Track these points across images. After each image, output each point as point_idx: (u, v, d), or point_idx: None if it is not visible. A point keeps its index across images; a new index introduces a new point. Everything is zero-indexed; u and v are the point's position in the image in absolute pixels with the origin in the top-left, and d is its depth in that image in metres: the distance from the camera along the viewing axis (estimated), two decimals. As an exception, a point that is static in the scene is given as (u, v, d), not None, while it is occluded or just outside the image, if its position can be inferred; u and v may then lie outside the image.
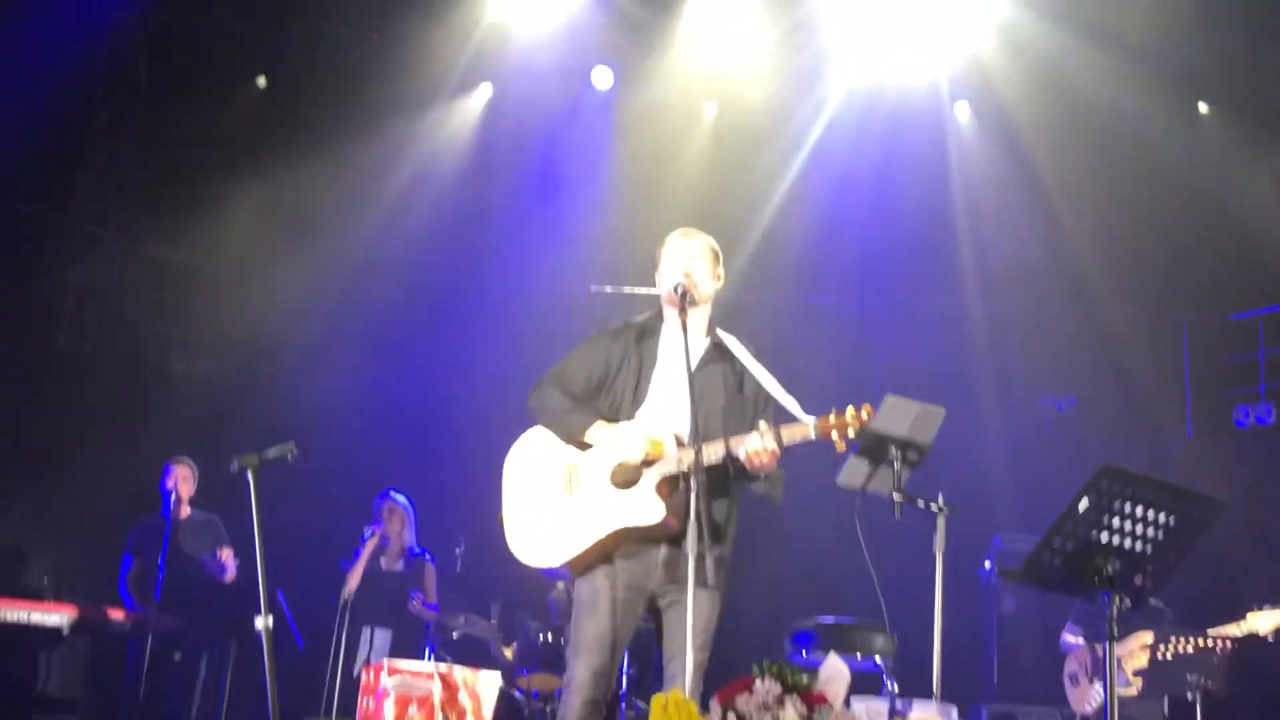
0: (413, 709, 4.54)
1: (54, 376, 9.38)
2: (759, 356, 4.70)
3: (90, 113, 9.52)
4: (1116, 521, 3.99)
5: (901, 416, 4.29)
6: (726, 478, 4.52)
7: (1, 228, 9.07)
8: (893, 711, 3.76)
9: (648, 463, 4.46)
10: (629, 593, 4.51)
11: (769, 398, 4.60)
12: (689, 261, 4.68)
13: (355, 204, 10.00)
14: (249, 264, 10.11)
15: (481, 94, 10.16)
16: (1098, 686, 7.79)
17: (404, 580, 8.16)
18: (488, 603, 8.74)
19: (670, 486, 4.45)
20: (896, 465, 4.30)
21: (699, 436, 4.28)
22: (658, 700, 3.32)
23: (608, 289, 9.34)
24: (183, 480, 8.05)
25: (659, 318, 4.77)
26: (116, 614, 7.81)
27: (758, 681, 3.27)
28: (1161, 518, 4.01)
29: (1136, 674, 7.63)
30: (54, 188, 9.26)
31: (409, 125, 9.98)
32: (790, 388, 4.55)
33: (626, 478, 4.50)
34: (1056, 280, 9.81)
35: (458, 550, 8.84)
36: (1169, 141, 9.18)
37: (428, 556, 8.38)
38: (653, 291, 4.79)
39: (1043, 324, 9.95)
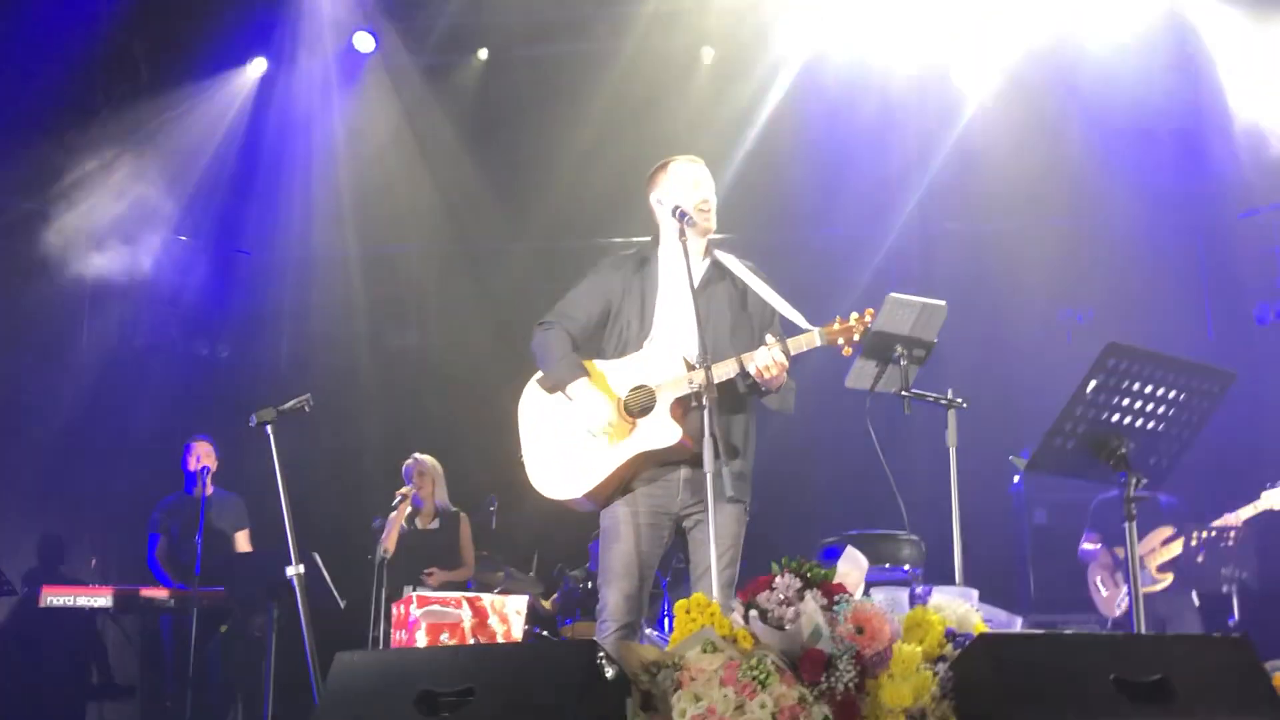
0: (444, 636, 4.62)
1: (81, 368, 9.49)
2: (757, 272, 4.75)
3: (93, 107, 9.58)
4: (1127, 401, 3.99)
5: (904, 315, 4.32)
6: (739, 394, 4.60)
7: (16, 224, 9.17)
8: (913, 597, 3.79)
9: (660, 387, 4.52)
10: (653, 517, 4.59)
11: (773, 311, 4.67)
12: (701, 188, 4.74)
13: (352, 170, 10.06)
14: (268, 240, 10.20)
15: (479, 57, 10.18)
16: (1125, 587, 7.81)
17: (440, 538, 8.22)
18: (525, 557, 8.84)
19: (684, 408, 4.50)
20: (903, 363, 4.32)
21: (708, 356, 4.32)
22: (680, 604, 3.36)
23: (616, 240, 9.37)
24: (206, 457, 8.19)
25: (654, 244, 4.82)
26: (159, 593, 7.95)
27: (778, 578, 3.30)
28: (1171, 394, 4.02)
29: (1161, 570, 7.65)
30: (63, 184, 9.33)
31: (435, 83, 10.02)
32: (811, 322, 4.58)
33: (641, 404, 4.57)
34: (1067, 194, 9.75)
35: (491, 508, 8.90)
36: (1169, 41, 9.10)
37: (462, 514, 8.45)
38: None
39: (1057, 239, 9.90)
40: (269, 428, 4.81)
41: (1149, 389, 3.97)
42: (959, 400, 4.54)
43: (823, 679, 3.04)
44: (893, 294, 4.35)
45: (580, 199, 9.73)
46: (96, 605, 7.81)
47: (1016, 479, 8.84)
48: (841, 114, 9.71)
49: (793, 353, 4.45)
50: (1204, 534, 7.19)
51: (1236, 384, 4.18)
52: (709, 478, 4.19)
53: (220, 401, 9.28)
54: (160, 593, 7.97)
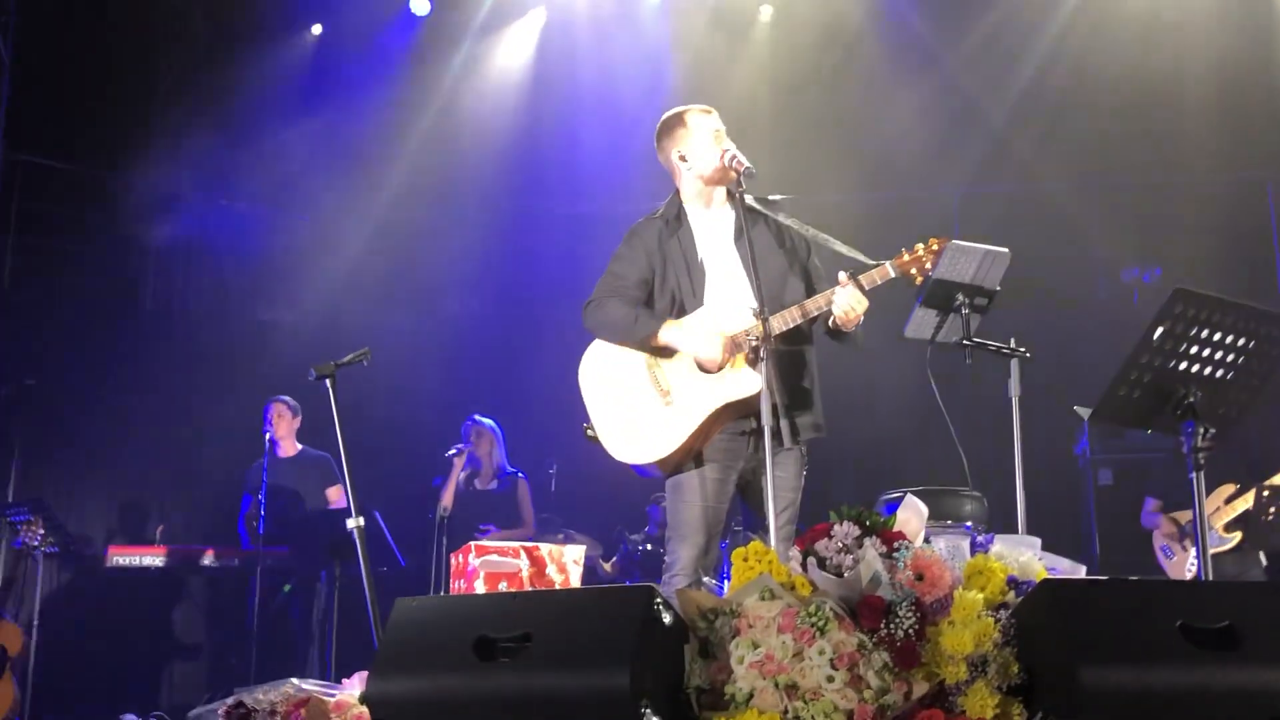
0: (502, 585, 4.64)
1: (145, 335, 9.61)
2: (780, 206, 4.70)
3: (153, 72, 9.67)
4: (1194, 349, 3.91)
5: (966, 262, 4.25)
6: (804, 341, 4.58)
7: (79, 193, 9.29)
8: (974, 545, 3.75)
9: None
10: (722, 471, 4.53)
11: (809, 242, 4.63)
12: (723, 136, 4.65)
13: (410, 136, 10.08)
14: (327, 204, 10.27)
15: (536, 17, 10.14)
16: (1193, 552, 7.69)
17: (499, 500, 8.26)
18: (585, 520, 8.87)
19: (755, 355, 4.35)
20: (965, 312, 4.26)
21: (764, 306, 4.25)
22: (739, 552, 3.35)
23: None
24: (278, 418, 8.26)
25: (677, 203, 4.72)
26: (222, 553, 8.06)
27: (836, 526, 3.27)
28: (1240, 341, 3.93)
29: (1228, 529, 7.52)
30: (125, 150, 9.43)
31: (468, 50, 10.00)
32: (888, 284, 4.53)
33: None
34: (1133, 150, 9.59)
35: (551, 470, 8.92)
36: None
37: (521, 475, 8.48)
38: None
39: (1121, 197, 9.75)
40: (328, 382, 4.84)
41: (1217, 336, 3.89)
42: (1022, 350, 4.47)
43: (882, 625, 3.01)
44: (954, 241, 4.29)
45: (628, 163, 9.72)
46: (161, 565, 7.93)
47: (1082, 440, 8.73)
48: (902, 72, 9.61)
49: (867, 287, 4.39)
50: (1269, 491, 7.05)
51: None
52: (766, 429, 4.11)
53: (280, 363, 9.36)
54: (224, 553, 8.07)
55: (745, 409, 4.44)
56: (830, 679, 2.97)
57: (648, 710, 2.88)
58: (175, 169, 9.53)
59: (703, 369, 4.50)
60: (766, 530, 4.32)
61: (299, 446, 8.36)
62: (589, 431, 4.60)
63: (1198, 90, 9.18)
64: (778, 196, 4.75)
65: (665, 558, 4.62)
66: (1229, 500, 7.51)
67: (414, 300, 10.19)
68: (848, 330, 4.48)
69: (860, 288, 4.38)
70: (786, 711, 2.98)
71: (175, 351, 9.59)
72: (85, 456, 9.03)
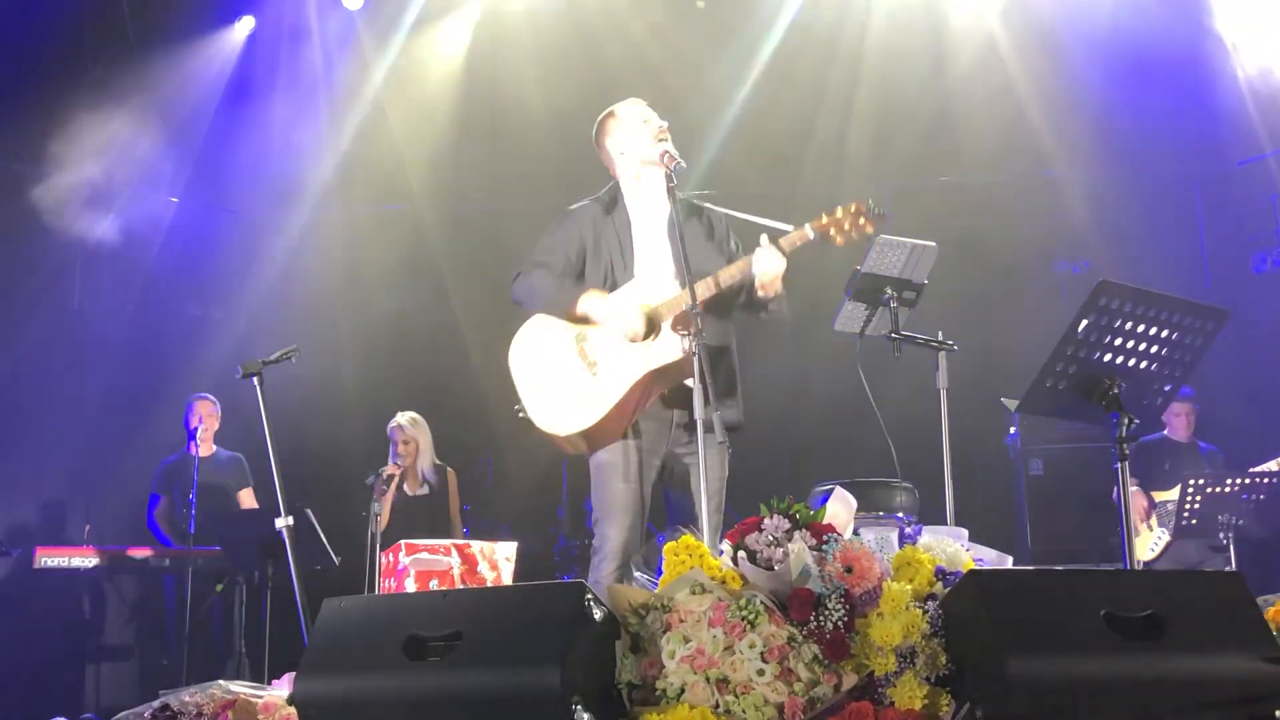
0: (433, 584, 4.62)
1: (73, 333, 9.46)
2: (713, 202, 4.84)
3: (80, 66, 9.51)
4: (1119, 341, 3.96)
5: (894, 256, 4.29)
6: (727, 334, 4.67)
7: (3, 190, 9.12)
8: (903, 536, 3.78)
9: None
10: (646, 455, 4.57)
11: (745, 225, 4.72)
12: (652, 121, 4.76)
13: (341, 131, 10.01)
14: (257, 200, 10.17)
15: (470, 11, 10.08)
16: (1158, 531, 7.82)
17: (429, 504, 8.13)
18: (521, 515, 8.83)
19: (685, 326, 4.35)
20: (893, 305, 4.29)
21: (693, 281, 4.29)
22: (670, 546, 3.35)
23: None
24: (206, 415, 8.17)
25: (615, 191, 4.83)
26: (152, 553, 7.96)
27: (766, 519, 3.28)
28: (1164, 333, 3.98)
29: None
30: (53, 146, 9.26)
31: (401, 44, 9.94)
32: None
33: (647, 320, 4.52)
34: (1060, 146, 9.69)
35: (488, 465, 8.87)
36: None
37: (449, 472, 8.37)
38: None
39: (1052, 190, 9.86)
40: (255, 380, 4.79)
41: (1141, 328, 3.94)
42: (949, 343, 4.51)
43: (811, 618, 3.03)
44: (882, 235, 4.31)
45: (565, 157, 9.70)
46: (90, 566, 7.82)
47: (1012, 430, 8.82)
48: (832, 64, 9.64)
49: (787, 250, 4.44)
50: (1209, 486, 7.18)
51: (1234, 332, 4.15)
52: (699, 422, 4.14)
53: (211, 361, 9.24)
54: (154, 553, 7.97)
55: (672, 376, 4.49)
56: (761, 672, 2.98)
57: (579, 707, 2.88)
58: (102, 165, 9.36)
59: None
60: (694, 521, 4.38)
61: (214, 446, 8.26)
62: (519, 412, 4.62)
63: (1128, 84, 9.30)
64: (703, 194, 4.80)
65: (593, 541, 4.64)
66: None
67: (344, 296, 10.09)
68: (768, 295, 4.54)
69: (780, 249, 4.42)
70: (718, 706, 2.99)
71: (103, 349, 9.43)
72: (11, 456, 8.86)
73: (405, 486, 8.20)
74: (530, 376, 4.63)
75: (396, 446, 8.08)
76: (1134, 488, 8.03)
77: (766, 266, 4.43)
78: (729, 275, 4.45)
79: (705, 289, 4.41)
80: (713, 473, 4.42)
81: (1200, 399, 8.16)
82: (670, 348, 4.41)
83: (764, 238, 4.49)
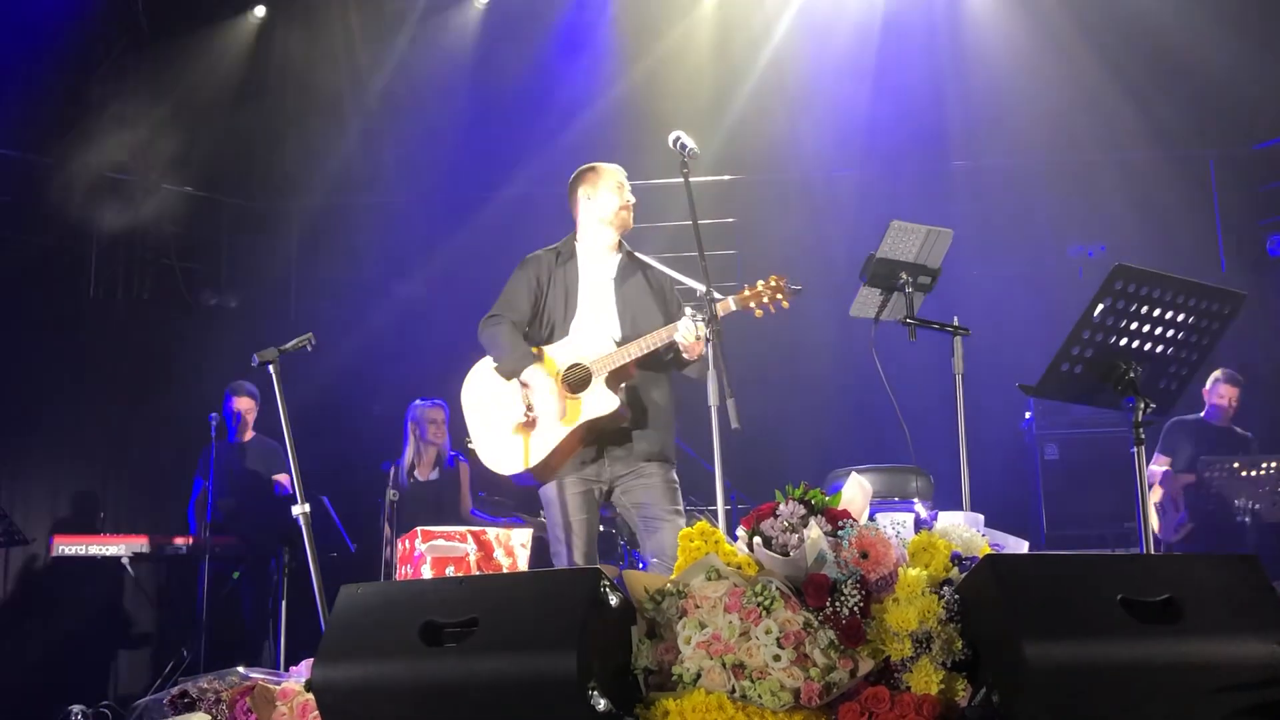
0: (449, 570, 4.63)
1: (90, 322, 9.49)
2: (661, 259, 5.29)
3: (97, 56, 9.53)
4: (1135, 325, 3.95)
5: (909, 241, 4.28)
6: (660, 365, 5.10)
7: (20, 180, 9.14)
8: (919, 522, 3.77)
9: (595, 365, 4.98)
10: (584, 486, 5.02)
11: (718, 329, 4.97)
12: (625, 190, 5.25)
13: (355, 117, 10.02)
14: (274, 189, 10.18)
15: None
16: (1185, 513, 7.82)
17: (438, 490, 8.15)
18: (533, 500, 8.81)
19: (619, 381, 4.97)
20: (908, 290, 4.28)
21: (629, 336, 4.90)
22: (685, 532, 3.35)
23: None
24: (245, 411, 8.25)
25: (571, 242, 5.31)
26: (169, 541, 7.99)
27: (782, 505, 3.28)
28: (1180, 316, 3.97)
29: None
30: (69, 135, 9.28)
31: (415, 29, 9.94)
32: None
33: (578, 378, 4.98)
34: (1075, 127, 9.65)
35: (469, 442, 8.84)
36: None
37: (462, 458, 8.38)
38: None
39: (1065, 174, 9.82)
40: (271, 368, 4.81)
41: (1157, 312, 3.93)
42: (964, 328, 4.50)
43: (827, 604, 3.03)
44: (896, 220, 4.31)
45: (577, 145, 9.70)
46: (107, 554, 7.86)
47: (1028, 415, 8.80)
48: (847, 49, 9.62)
49: (721, 314, 4.78)
50: (1224, 470, 7.17)
51: (1249, 316, 4.14)
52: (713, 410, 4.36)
53: (229, 351, 9.27)
54: (171, 541, 8.00)
55: (604, 426, 4.96)
56: (777, 658, 2.98)
57: (595, 692, 2.88)
58: (118, 154, 9.38)
59: (567, 385, 4.99)
60: (650, 534, 4.95)
61: (253, 433, 8.31)
62: (469, 444, 5.20)
63: (1143, 67, 9.26)
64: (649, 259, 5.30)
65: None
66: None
67: (360, 283, 10.10)
68: (690, 358, 4.95)
69: (704, 319, 4.72)
70: (734, 690, 2.99)
71: (120, 338, 9.47)
72: (28, 445, 8.90)
73: (416, 472, 8.22)
74: (479, 416, 5.16)
75: (426, 429, 8.11)
76: (1166, 468, 8.03)
77: (687, 335, 4.82)
78: (655, 339, 4.90)
79: (639, 348, 4.91)
80: (658, 492, 4.99)
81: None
82: (604, 402, 4.92)
83: (688, 309, 4.94)
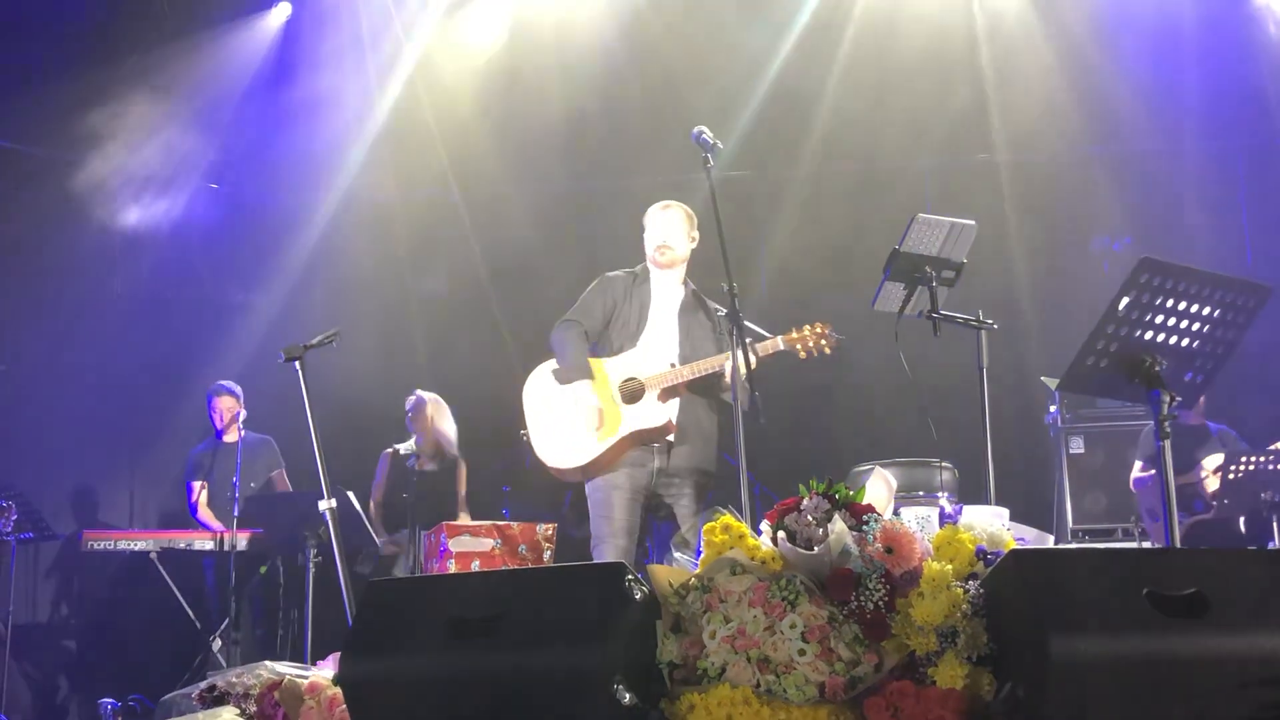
0: (475, 565, 4.65)
1: (116, 319, 9.54)
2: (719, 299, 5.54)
3: (122, 53, 9.57)
4: (1160, 318, 3.92)
5: (933, 235, 4.27)
6: (708, 389, 5.61)
7: (45, 178, 9.20)
8: (943, 516, 3.77)
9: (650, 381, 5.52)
10: (632, 493, 5.52)
11: (741, 327, 5.31)
12: (658, 234, 5.76)
13: (376, 115, 10.05)
14: (296, 185, 10.22)
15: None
16: (1179, 515, 7.78)
17: (435, 481, 8.13)
18: (555, 497, 8.83)
19: (669, 398, 5.52)
20: (933, 285, 4.27)
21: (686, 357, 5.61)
22: (709, 527, 3.36)
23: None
24: (224, 410, 8.30)
25: (646, 270, 5.85)
26: (197, 536, 8.04)
27: (806, 499, 3.28)
28: (1206, 310, 3.94)
29: (1215, 499, 7.62)
30: (92, 132, 9.33)
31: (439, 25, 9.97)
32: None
33: (631, 391, 5.52)
34: (1100, 121, 9.60)
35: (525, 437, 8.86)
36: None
37: (461, 461, 8.36)
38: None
39: (1089, 166, 9.77)
40: (297, 364, 4.84)
41: (1183, 305, 3.90)
42: (989, 322, 4.49)
43: (852, 598, 3.03)
44: (920, 214, 4.30)
45: (605, 139, 9.72)
46: (136, 549, 7.91)
47: (1052, 408, 8.77)
48: (872, 44, 9.59)
49: (761, 354, 5.32)
50: (1249, 463, 7.15)
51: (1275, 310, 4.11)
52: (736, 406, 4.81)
53: (252, 347, 9.33)
54: (198, 536, 8.05)
55: (651, 437, 5.50)
56: (802, 652, 2.99)
57: (620, 687, 2.89)
58: (141, 151, 9.43)
59: (621, 397, 5.54)
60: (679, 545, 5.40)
61: (243, 431, 8.32)
62: (524, 436, 5.68)
63: (1168, 58, 9.21)
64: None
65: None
66: (1218, 470, 7.61)
67: (384, 280, 10.14)
68: (731, 387, 5.25)
69: (753, 354, 5.16)
70: (759, 685, 3.00)
71: (146, 335, 9.52)
72: (58, 441, 8.97)
73: (415, 460, 8.17)
74: (538, 411, 5.66)
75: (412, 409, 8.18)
76: (1152, 472, 8.00)
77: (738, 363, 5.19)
78: (706, 366, 5.46)
79: (690, 371, 5.49)
80: (688, 509, 5.56)
81: (1235, 377, 8.10)
82: (653, 414, 5.47)
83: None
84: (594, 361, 5.65)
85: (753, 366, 5.13)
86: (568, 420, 5.54)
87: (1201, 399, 8.01)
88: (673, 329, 5.70)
